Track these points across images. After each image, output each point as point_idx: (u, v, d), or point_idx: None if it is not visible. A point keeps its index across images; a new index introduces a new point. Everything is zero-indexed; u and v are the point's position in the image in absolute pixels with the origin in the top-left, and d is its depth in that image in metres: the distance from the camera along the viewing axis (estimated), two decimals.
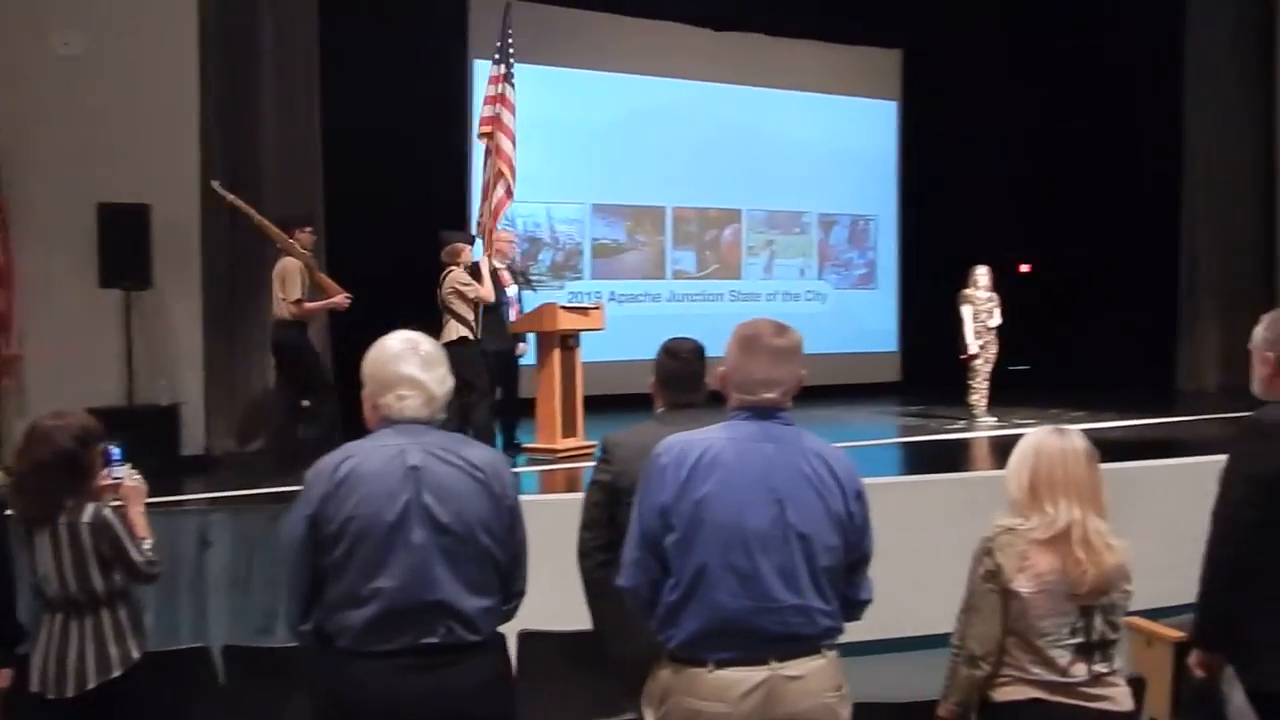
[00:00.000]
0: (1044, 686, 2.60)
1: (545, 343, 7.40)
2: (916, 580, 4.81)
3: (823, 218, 12.34)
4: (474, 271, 7.05)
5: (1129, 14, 11.05)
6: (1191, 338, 11.44)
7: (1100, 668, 2.63)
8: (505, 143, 7.24)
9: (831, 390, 11.28)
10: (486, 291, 6.94)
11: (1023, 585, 2.63)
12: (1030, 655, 2.62)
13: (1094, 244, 11.95)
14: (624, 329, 9.42)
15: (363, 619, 2.27)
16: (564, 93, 10.53)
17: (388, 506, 2.30)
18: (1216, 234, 11.32)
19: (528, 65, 10.23)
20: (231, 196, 6.77)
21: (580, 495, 3.02)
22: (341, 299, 6.75)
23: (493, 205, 7.19)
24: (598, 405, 7.72)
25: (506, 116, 7.26)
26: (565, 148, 10.65)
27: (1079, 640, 2.61)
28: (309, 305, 6.64)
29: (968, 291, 9.03)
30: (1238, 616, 2.64)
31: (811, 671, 2.31)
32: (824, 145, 12.03)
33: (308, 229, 6.78)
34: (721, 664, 2.26)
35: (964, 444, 8.25)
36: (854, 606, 2.45)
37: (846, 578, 2.38)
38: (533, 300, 8.00)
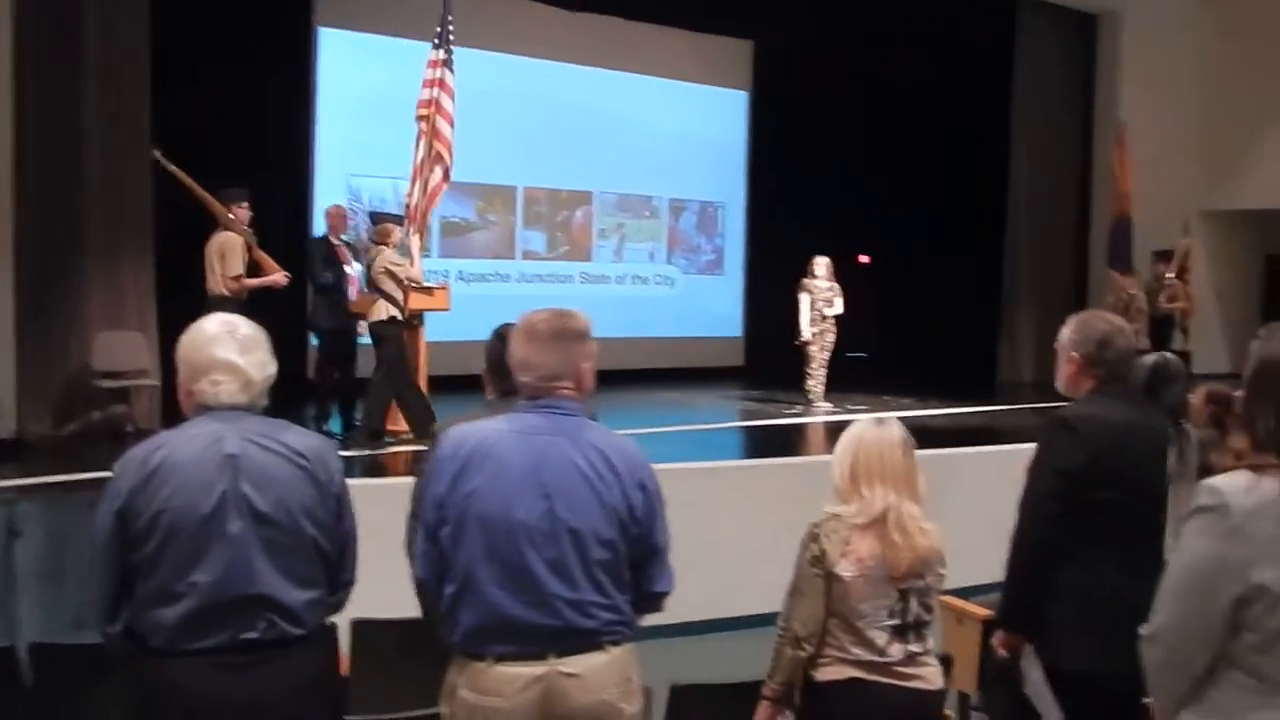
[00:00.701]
0: (863, 666, 2.69)
1: None
2: (749, 561, 4.89)
3: (673, 203, 12.41)
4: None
5: (965, 25, 11.50)
6: (1012, 333, 12.15)
7: (915, 647, 2.73)
8: (445, 126, 7.27)
9: (677, 374, 11.58)
10: (417, 271, 7.13)
11: (845, 569, 2.72)
12: (851, 636, 2.70)
13: (929, 240, 12.41)
14: (472, 309, 9.12)
15: (176, 616, 2.17)
16: (415, 66, 10.24)
17: (202, 498, 2.20)
18: (1037, 236, 12.10)
19: (380, 37, 10.02)
20: (174, 168, 6.74)
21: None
22: (280, 277, 6.82)
23: (428, 188, 7.22)
24: (445, 386, 7.64)
25: (446, 101, 7.31)
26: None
27: (895, 622, 2.70)
28: (249, 282, 6.69)
29: (807, 281, 9.21)
30: (1038, 601, 2.75)
31: (592, 668, 2.27)
32: (675, 131, 12.05)
33: (244, 204, 6.86)
34: (500, 659, 2.24)
35: (800, 429, 8.47)
36: (649, 599, 2.39)
37: (641, 570, 2.34)
38: None
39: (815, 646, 2.71)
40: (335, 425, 7.49)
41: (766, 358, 11.89)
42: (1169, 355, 4.05)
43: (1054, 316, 3.80)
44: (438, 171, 7.21)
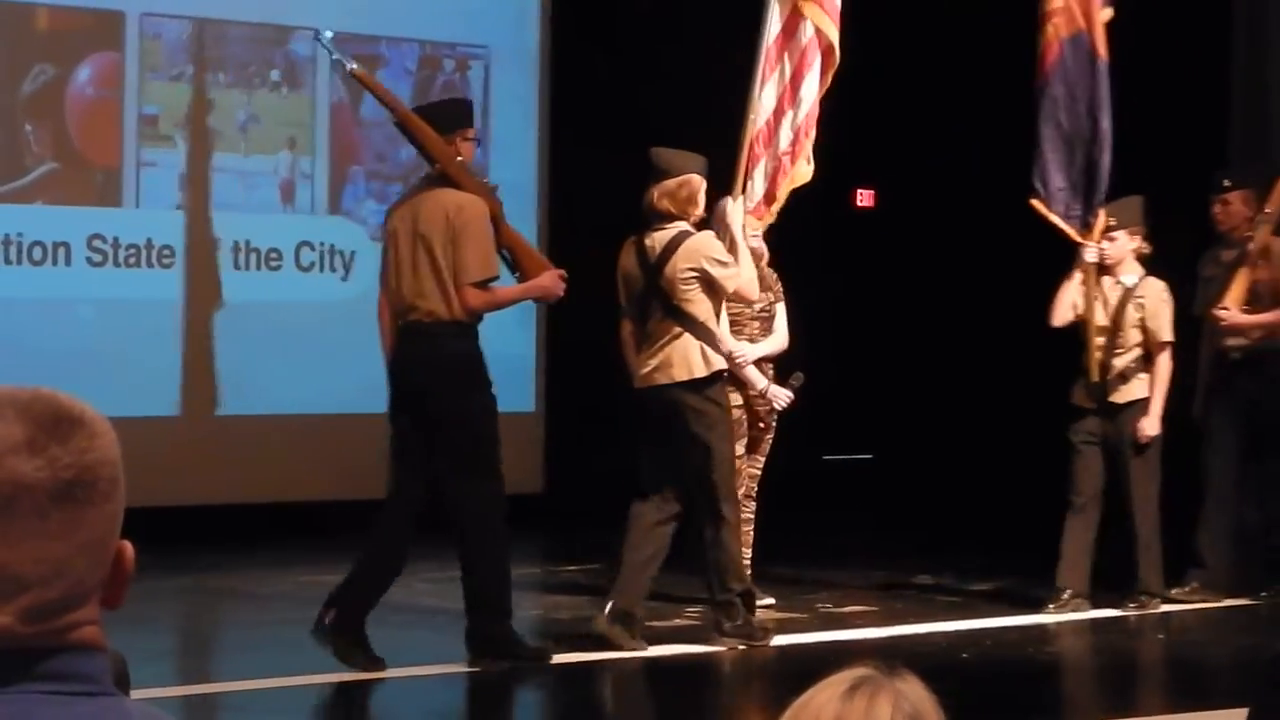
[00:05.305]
0: None
1: None
2: None
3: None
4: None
5: None
6: None
7: None
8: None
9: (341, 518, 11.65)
10: (747, 276, 8.99)
11: None
12: None
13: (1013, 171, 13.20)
14: None
15: None
16: None
17: None
18: None
19: None
20: (372, 80, 8.96)
21: None
22: (552, 278, 8.56)
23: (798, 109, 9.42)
24: None
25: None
26: None
27: None
28: (505, 292, 8.62)
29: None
30: None
31: None
32: None
33: (471, 134, 8.62)
34: None
35: (694, 673, 9.09)
36: None
37: None
38: None
39: None
40: None
41: (592, 468, 12.81)
42: None
43: None
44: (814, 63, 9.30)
